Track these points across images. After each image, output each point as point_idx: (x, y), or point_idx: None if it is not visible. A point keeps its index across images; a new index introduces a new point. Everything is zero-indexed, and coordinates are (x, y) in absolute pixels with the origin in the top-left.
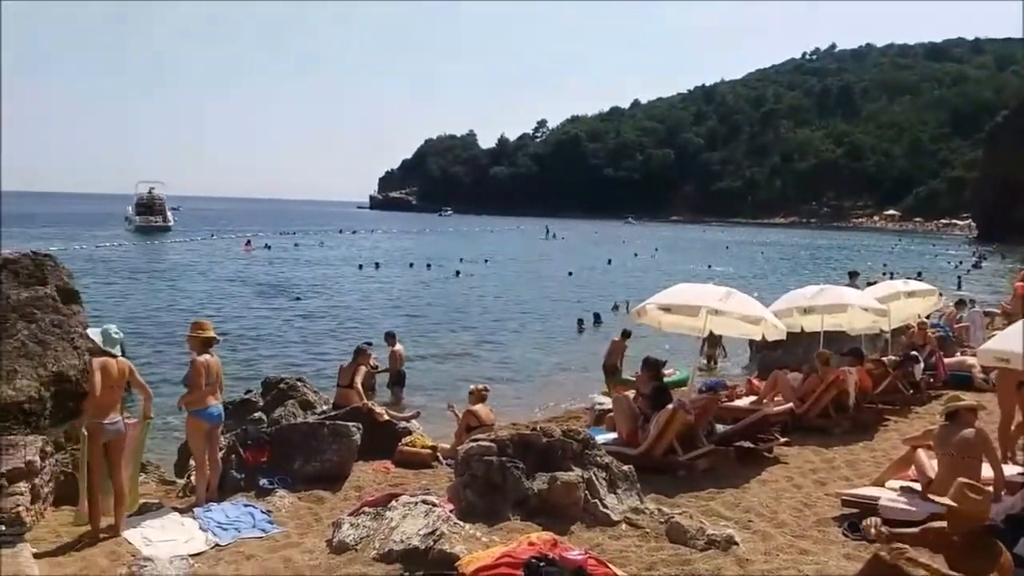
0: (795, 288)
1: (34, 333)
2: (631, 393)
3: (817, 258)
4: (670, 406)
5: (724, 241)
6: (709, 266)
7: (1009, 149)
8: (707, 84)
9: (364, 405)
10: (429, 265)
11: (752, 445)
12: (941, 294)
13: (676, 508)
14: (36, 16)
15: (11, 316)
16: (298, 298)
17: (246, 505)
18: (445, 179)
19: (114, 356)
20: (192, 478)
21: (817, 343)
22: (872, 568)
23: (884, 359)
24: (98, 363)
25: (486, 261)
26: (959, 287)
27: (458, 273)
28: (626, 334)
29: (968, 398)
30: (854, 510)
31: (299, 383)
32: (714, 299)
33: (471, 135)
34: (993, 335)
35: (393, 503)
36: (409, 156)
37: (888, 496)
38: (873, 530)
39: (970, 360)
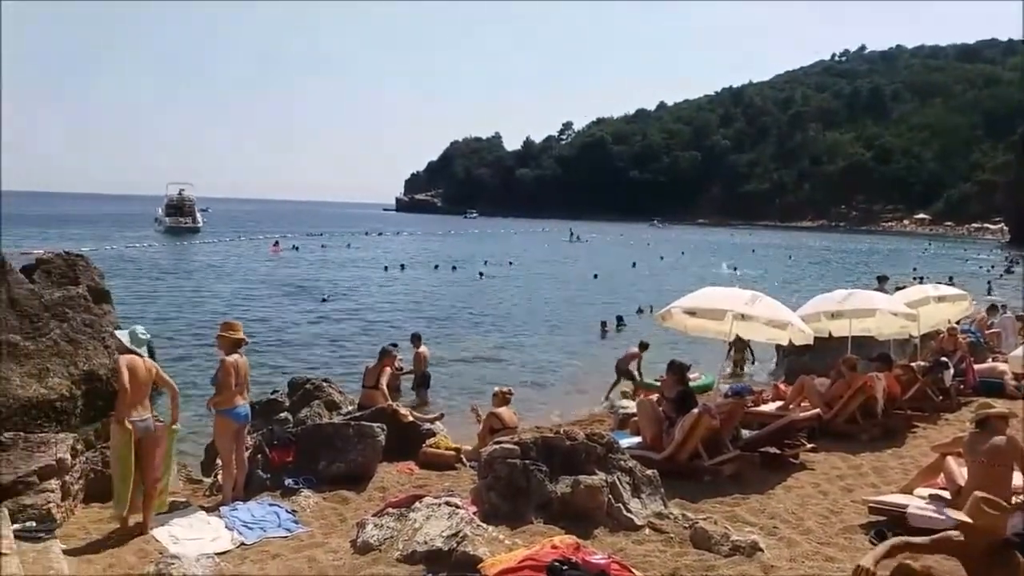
0: (823, 292)
1: (66, 332)
2: (655, 397)
3: (846, 262)
4: (695, 410)
5: (751, 244)
6: (735, 269)
7: None
8: (734, 86)
9: (389, 406)
10: (454, 267)
11: (778, 451)
12: (972, 299)
13: (700, 513)
14: (72, 18)
15: (44, 315)
16: (324, 299)
17: (271, 505)
18: (470, 181)
19: (140, 356)
20: (219, 477)
21: (845, 348)
22: None
23: (913, 365)
24: (125, 360)
25: (510, 263)
26: (990, 292)
27: (481, 275)
28: (643, 346)
29: (999, 405)
30: (882, 518)
31: (325, 384)
32: (740, 303)
33: (496, 137)
34: None
35: (417, 504)
36: (435, 158)
37: (916, 504)
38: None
39: (1001, 366)
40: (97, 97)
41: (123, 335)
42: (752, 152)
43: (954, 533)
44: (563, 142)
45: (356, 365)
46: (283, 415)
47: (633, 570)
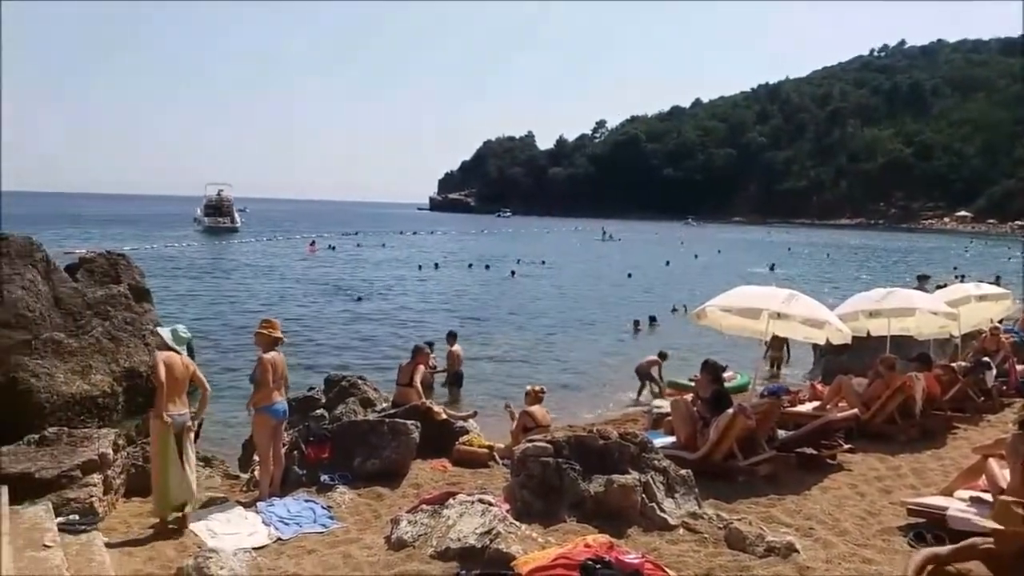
0: (861, 291)
1: (108, 330)
2: (690, 397)
3: (884, 261)
4: (730, 410)
5: (788, 243)
6: (772, 268)
7: None
8: (771, 82)
9: (423, 404)
10: (487, 266)
11: (815, 451)
12: (1015, 298)
13: (735, 514)
14: (110, 23)
15: (87, 313)
16: (359, 298)
17: (307, 500)
18: (503, 180)
19: (179, 353)
20: (256, 473)
21: (884, 348)
22: None
23: (954, 365)
24: (162, 356)
25: (543, 262)
26: None
27: (513, 273)
28: (663, 355)
29: None
30: (921, 520)
31: (360, 381)
32: (776, 301)
33: (529, 136)
34: None
35: (450, 501)
36: (468, 158)
37: (957, 506)
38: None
39: None
40: (135, 100)
41: (165, 332)
42: (789, 149)
43: (979, 540)
44: (597, 140)
45: (390, 363)
46: (319, 412)
47: (667, 570)
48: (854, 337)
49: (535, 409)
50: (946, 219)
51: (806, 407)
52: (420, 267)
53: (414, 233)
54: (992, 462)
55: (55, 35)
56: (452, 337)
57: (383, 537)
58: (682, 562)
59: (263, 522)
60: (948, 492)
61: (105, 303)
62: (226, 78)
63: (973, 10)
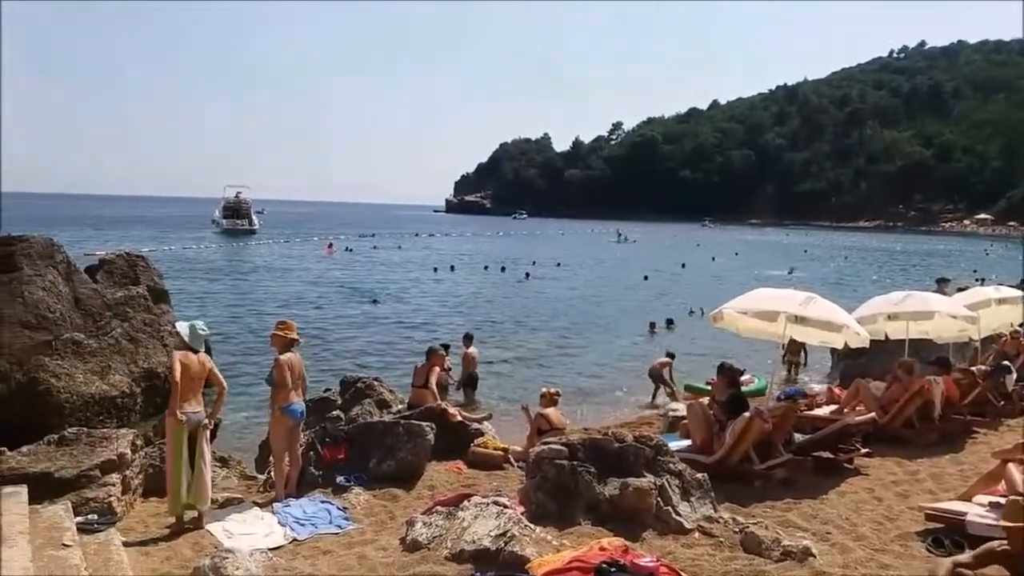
0: (880, 294)
1: (127, 331)
2: (706, 400)
3: (903, 263)
4: (746, 414)
5: (805, 245)
6: (791, 270)
7: None
8: (789, 83)
9: (438, 405)
10: (503, 268)
11: (832, 455)
12: None
13: (751, 518)
14: (137, 27)
15: (106, 314)
16: (375, 300)
17: (323, 501)
18: (519, 182)
19: (196, 351)
20: (272, 473)
21: (902, 351)
22: None
23: (973, 368)
24: (178, 355)
25: (558, 264)
26: None
27: (527, 275)
28: (671, 355)
29: None
30: (939, 525)
31: (376, 382)
32: (794, 304)
33: (545, 138)
34: None
35: (465, 503)
36: (484, 160)
37: (976, 511)
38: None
39: None
40: (158, 104)
41: (183, 327)
42: (807, 151)
43: (995, 543)
44: (613, 142)
45: (406, 365)
46: (335, 413)
47: (682, 574)
48: (872, 340)
49: (550, 411)
50: (966, 222)
51: (823, 411)
52: (436, 269)
53: (430, 235)
54: (1012, 466)
55: (78, 37)
56: (468, 339)
57: (398, 538)
58: (697, 566)
59: (279, 523)
60: (967, 497)
61: (124, 304)
62: (246, 81)
63: (995, 10)
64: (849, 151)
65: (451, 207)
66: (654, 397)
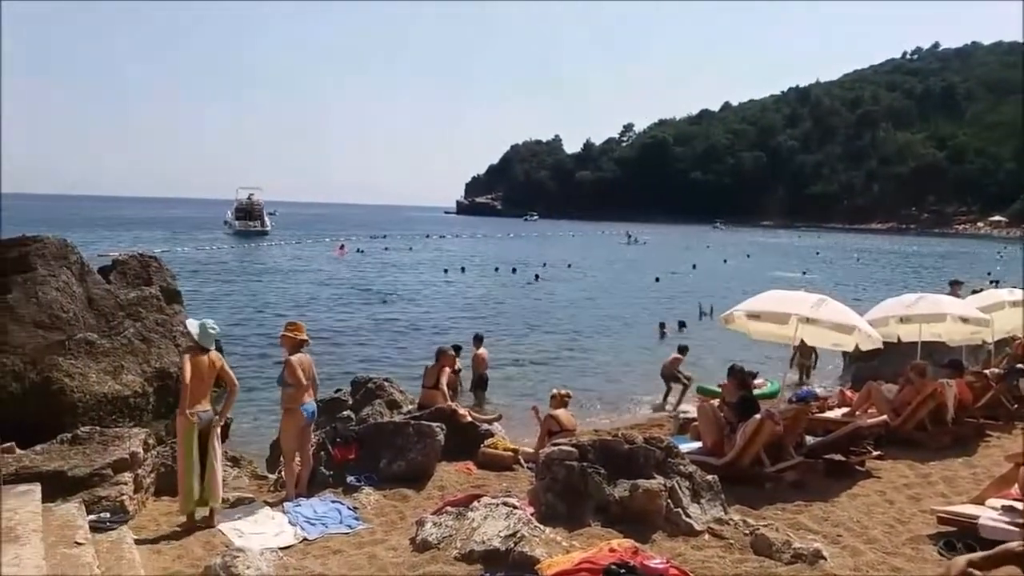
0: (892, 296)
1: (139, 331)
2: (716, 402)
3: (916, 266)
4: (757, 416)
5: (817, 247)
6: (804, 273)
7: None
8: (801, 85)
9: (448, 406)
10: (514, 269)
11: (843, 458)
12: None
13: (762, 520)
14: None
15: (119, 314)
16: (384, 301)
17: (334, 501)
18: (530, 184)
19: (206, 350)
20: (283, 473)
21: (915, 354)
22: None
23: (987, 371)
24: (188, 356)
25: (569, 265)
26: None
27: (537, 277)
28: (682, 349)
29: None
30: (951, 528)
31: (386, 383)
32: (806, 306)
33: (556, 140)
34: None
35: (475, 504)
36: (495, 161)
37: (988, 515)
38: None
39: None
40: (179, 109)
41: (193, 325)
42: (819, 153)
43: (1016, 544)
44: (624, 144)
45: (416, 366)
46: (346, 413)
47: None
48: (885, 343)
49: (560, 413)
50: (980, 224)
51: (835, 413)
52: (446, 270)
53: (441, 236)
54: None
55: (85, 37)
56: (478, 340)
57: (408, 538)
58: (708, 568)
59: (290, 522)
60: (980, 500)
61: (137, 304)
62: (257, 81)
63: (1009, 12)
64: (861, 153)
65: (462, 208)
66: (665, 398)
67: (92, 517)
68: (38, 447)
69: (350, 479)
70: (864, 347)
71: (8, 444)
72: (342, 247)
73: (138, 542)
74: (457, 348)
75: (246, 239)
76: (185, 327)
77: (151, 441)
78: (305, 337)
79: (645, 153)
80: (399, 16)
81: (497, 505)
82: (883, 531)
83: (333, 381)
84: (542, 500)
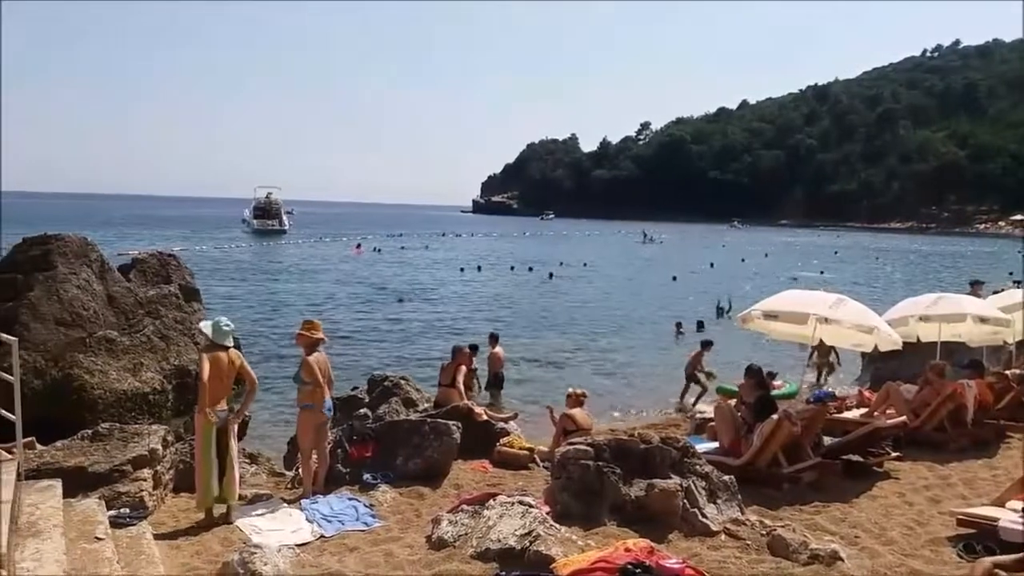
0: (911, 296)
1: (159, 329)
2: (733, 402)
3: (937, 265)
4: (775, 416)
5: (836, 246)
6: (822, 272)
7: None
8: (820, 83)
9: (464, 405)
10: (531, 268)
11: (861, 459)
12: None
13: (779, 521)
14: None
15: (138, 312)
16: (401, 300)
17: (350, 499)
18: (546, 183)
19: (226, 348)
20: (300, 471)
21: (934, 354)
22: None
23: (1008, 372)
24: (207, 355)
25: (584, 264)
26: None
27: (551, 275)
28: (706, 344)
29: None
30: (971, 530)
31: (402, 381)
32: (824, 306)
33: (573, 139)
34: None
35: (491, 502)
36: (511, 160)
37: (1009, 517)
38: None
39: None
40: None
41: (206, 327)
42: (838, 151)
43: None
44: (641, 142)
45: (432, 364)
46: (363, 411)
47: None
48: (904, 343)
49: (576, 412)
50: (1001, 223)
51: (853, 414)
52: (462, 269)
53: (457, 235)
54: None
55: (103, 38)
56: (494, 339)
57: (424, 536)
58: (724, 568)
59: (307, 519)
60: (1000, 503)
61: (156, 302)
62: (276, 79)
63: None
64: (881, 151)
65: (478, 208)
66: (683, 396)
67: (112, 512)
68: (59, 443)
69: (366, 477)
70: (883, 347)
71: (29, 439)
72: (359, 246)
73: (157, 537)
74: (473, 347)
75: (264, 238)
76: (199, 329)
77: (170, 438)
78: (321, 336)
79: (662, 152)
80: (419, 19)
81: (513, 504)
82: (901, 533)
83: (350, 379)
84: (558, 499)
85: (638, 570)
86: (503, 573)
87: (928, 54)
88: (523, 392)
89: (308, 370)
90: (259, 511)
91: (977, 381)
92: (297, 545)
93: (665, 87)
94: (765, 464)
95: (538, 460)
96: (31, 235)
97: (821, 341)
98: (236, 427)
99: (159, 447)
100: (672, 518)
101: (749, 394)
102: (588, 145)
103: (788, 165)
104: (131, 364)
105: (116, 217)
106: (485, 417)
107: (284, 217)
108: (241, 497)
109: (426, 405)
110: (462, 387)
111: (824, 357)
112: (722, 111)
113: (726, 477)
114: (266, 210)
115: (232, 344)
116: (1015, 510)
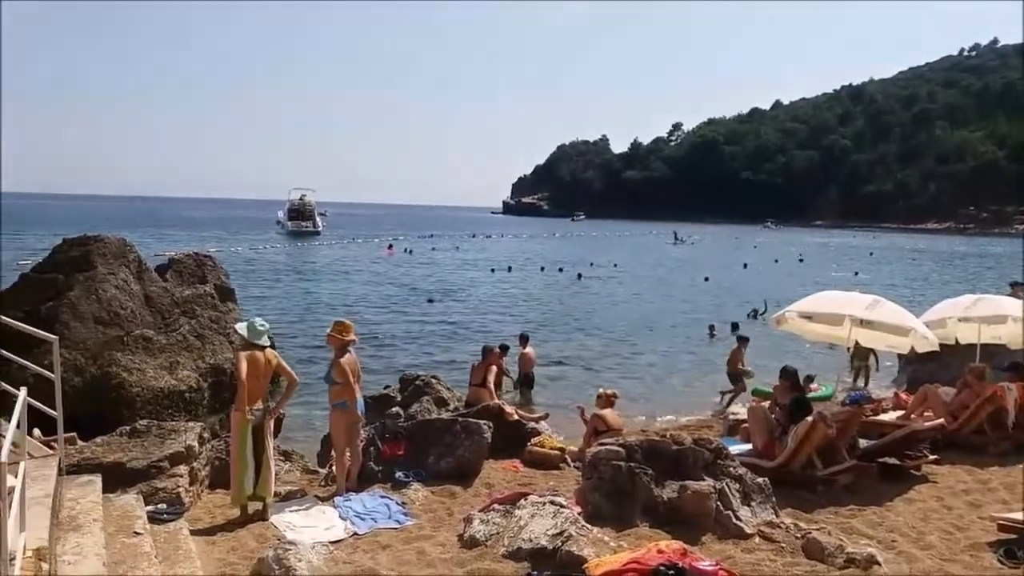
0: (949, 298)
1: (194, 328)
2: (767, 403)
3: (975, 267)
4: (809, 418)
5: (871, 247)
6: (855, 274)
7: None
8: (855, 83)
9: (495, 404)
10: (561, 269)
11: (898, 462)
12: None
13: (814, 524)
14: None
15: (175, 312)
16: (431, 300)
17: (383, 496)
18: (577, 184)
19: (262, 348)
20: (333, 468)
21: (973, 357)
22: None
23: None
24: (244, 355)
25: (615, 265)
26: None
27: (580, 276)
28: (742, 340)
29: None
30: (1012, 536)
31: (434, 380)
32: (859, 307)
33: (603, 140)
34: None
35: (522, 502)
36: (542, 162)
37: None
38: None
39: None
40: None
41: (242, 328)
42: (873, 152)
43: None
44: (672, 143)
45: (463, 363)
46: (395, 410)
47: None
48: (942, 345)
49: (607, 412)
50: None
51: (889, 416)
52: (493, 270)
53: (487, 236)
54: None
55: (135, 42)
56: (524, 339)
57: (456, 535)
58: (758, 571)
59: (340, 516)
60: None
61: (192, 302)
62: (309, 81)
63: None
64: (917, 152)
65: (509, 209)
66: (724, 396)
67: (150, 508)
68: (99, 439)
69: (399, 475)
70: (920, 349)
71: (70, 435)
72: (390, 247)
73: (193, 533)
74: (504, 347)
75: (298, 239)
76: (235, 331)
77: (206, 435)
78: (352, 337)
79: (694, 152)
80: (448, 27)
81: (544, 504)
82: (940, 537)
83: (382, 378)
84: (589, 499)
85: (671, 572)
86: (535, 573)
87: (965, 53)
88: (554, 392)
89: (339, 371)
90: (293, 508)
91: (1018, 384)
92: (331, 542)
93: (697, 88)
94: (799, 466)
95: (569, 460)
96: (72, 236)
97: (857, 342)
98: (272, 424)
99: (195, 444)
100: (705, 520)
101: (784, 396)
102: (619, 146)
103: (822, 165)
104: (167, 362)
105: (160, 218)
106: (516, 417)
107: (318, 219)
108: (275, 494)
109: (457, 404)
110: (492, 387)
111: (863, 360)
112: (755, 111)
113: (760, 479)
114: (300, 211)
115: (268, 344)
116: None
